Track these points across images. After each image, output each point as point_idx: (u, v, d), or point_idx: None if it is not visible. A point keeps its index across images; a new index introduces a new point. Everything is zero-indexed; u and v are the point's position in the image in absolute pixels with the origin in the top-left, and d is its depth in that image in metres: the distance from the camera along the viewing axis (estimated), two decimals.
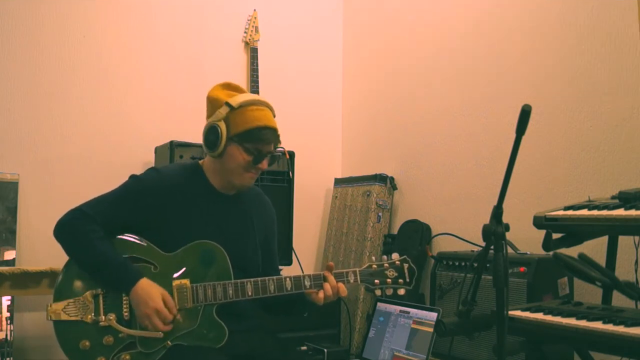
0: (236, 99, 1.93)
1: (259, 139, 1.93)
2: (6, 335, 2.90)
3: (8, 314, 2.93)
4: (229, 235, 1.98)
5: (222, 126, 1.92)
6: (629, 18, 2.52)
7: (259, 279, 1.90)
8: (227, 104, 1.92)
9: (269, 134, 1.94)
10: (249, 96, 1.97)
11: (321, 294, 1.90)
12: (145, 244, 1.91)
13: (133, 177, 2.00)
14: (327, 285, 1.91)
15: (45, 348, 3.11)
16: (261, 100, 1.97)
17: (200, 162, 2.08)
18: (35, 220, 3.18)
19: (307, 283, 1.92)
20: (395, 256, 2.02)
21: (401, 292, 2.00)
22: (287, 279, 1.92)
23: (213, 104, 1.97)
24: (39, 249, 3.12)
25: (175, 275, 1.88)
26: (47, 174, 3.28)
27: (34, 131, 3.27)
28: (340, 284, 1.93)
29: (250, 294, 1.88)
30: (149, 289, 1.83)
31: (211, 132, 1.94)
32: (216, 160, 1.98)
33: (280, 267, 2.22)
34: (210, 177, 2.03)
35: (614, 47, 2.59)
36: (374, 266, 1.99)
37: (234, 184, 2.01)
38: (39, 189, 3.22)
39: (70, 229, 1.91)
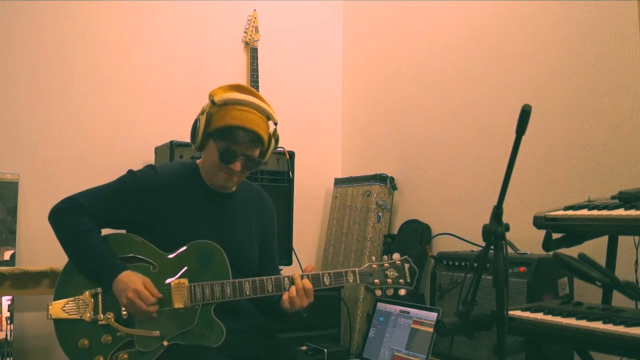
0: (222, 96, 1.90)
1: (231, 138, 1.89)
2: (6, 335, 2.90)
3: (8, 314, 2.93)
4: (224, 234, 1.98)
5: (202, 120, 1.91)
6: (629, 18, 2.52)
7: (257, 278, 1.90)
8: (211, 99, 1.91)
9: (243, 135, 1.89)
10: (239, 96, 1.91)
11: (285, 295, 1.90)
12: (145, 244, 1.91)
13: (130, 173, 2.00)
14: (292, 288, 1.90)
15: (45, 348, 3.11)
16: (251, 101, 1.90)
17: (198, 161, 2.08)
18: (35, 220, 3.17)
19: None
20: (396, 256, 2.01)
21: (402, 292, 1.99)
22: (286, 278, 1.92)
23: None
24: (39, 249, 3.12)
25: (174, 274, 1.88)
26: (47, 174, 3.27)
27: (34, 131, 3.27)
28: (305, 281, 1.90)
29: (248, 293, 1.88)
30: (130, 276, 1.83)
31: (193, 126, 1.96)
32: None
33: (280, 267, 2.22)
34: (204, 175, 2.03)
35: (614, 47, 2.59)
36: (374, 266, 1.99)
37: (212, 182, 2.00)
38: (39, 189, 3.22)
39: (62, 217, 1.92)
